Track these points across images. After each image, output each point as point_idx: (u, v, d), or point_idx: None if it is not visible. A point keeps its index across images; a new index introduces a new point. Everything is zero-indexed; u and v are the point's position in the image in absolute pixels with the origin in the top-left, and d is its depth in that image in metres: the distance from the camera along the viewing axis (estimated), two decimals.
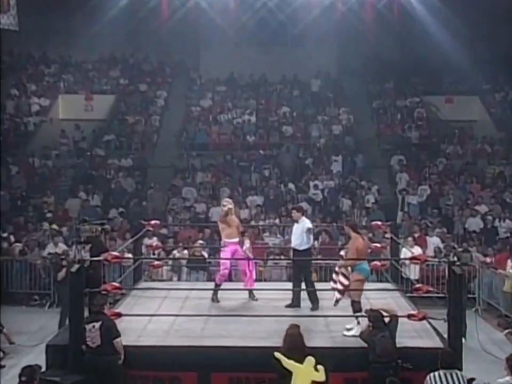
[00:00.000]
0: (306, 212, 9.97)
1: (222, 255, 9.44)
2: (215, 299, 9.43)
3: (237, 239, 9.38)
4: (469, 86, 22.92)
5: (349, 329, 7.91)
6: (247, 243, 9.50)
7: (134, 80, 23.54)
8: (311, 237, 9.15)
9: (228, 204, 9.42)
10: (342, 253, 8.75)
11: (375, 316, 7.37)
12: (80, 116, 21.57)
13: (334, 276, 8.19)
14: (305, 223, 9.15)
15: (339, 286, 8.05)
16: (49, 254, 13.26)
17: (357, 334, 7.73)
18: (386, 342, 7.16)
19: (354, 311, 7.95)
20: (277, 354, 6.53)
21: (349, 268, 8.07)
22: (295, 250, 9.19)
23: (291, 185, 18.13)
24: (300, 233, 9.10)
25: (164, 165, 19.57)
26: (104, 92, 22.80)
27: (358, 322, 7.86)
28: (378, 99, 22.74)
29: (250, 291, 9.49)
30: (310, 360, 6.49)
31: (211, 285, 10.28)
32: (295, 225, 9.25)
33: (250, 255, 9.51)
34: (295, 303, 9.12)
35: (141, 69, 24.35)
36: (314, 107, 22.24)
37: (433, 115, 22.07)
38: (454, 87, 23.09)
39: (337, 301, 8.17)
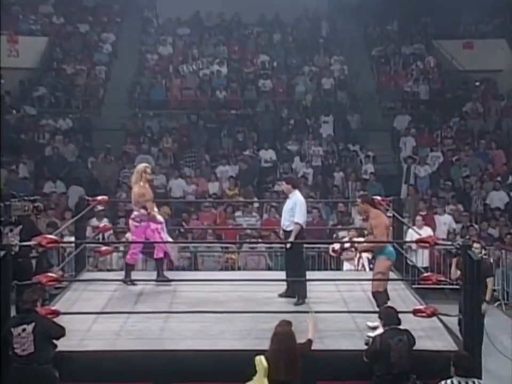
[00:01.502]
0: (299, 183, 9.90)
1: (135, 230, 9.72)
2: (128, 281, 9.76)
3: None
4: (493, 27, 22.89)
5: (373, 328, 7.92)
6: (159, 218, 9.87)
7: (72, 19, 23.20)
8: (302, 215, 9.10)
9: (150, 170, 9.82)
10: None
11: (388, 314, 7.28)
12: (2, 63, 21.15)
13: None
14: (296, 198, 9.12)
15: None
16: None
17: None
18: (404, 348, 7.09)
19: (379, 305, 7.95)
20: None
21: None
22: (284, 231, 9.19)
23: (271, 153, 18.10)
24: (289, 210, 9.06)
25: (112, 127, 19.44)
26: (33, 32, 22.40)
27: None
28: (379, 45, 22.72)
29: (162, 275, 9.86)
30: (260, 360, 6.46)
31: (174, 274, 10.27)
32: (287, 201, 9.26)
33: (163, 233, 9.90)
34: (298, 295, 9.10)
35: (80, 5, 23.97)
36: (299, 55, 22.17)
37: (448, 64, 22.11)
38: (475, 29, 23.08)
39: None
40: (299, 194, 9.21)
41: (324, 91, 20.83)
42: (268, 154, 18.12)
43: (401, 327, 7.28)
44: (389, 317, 7.27)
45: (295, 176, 10.14)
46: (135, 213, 9.70)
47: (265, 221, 14.92)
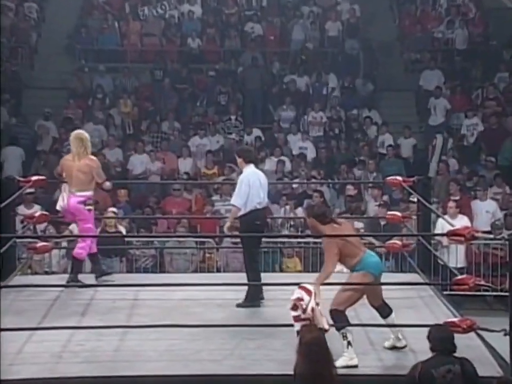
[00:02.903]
0: (253, 156, 9.99)
1: (90, 215, 9.92)
2: (73, 280, 9.92)
3: None
4: None
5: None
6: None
7: None
8: (240, 196, 9.31)
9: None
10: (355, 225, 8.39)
11: (439, 335, 6.78)
12: None
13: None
14: (242, 174, 9.44)
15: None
16: None
17: (347, 363, 7.59)
18: (456, 382, 6.56)
19: (337, 328, 7.81)
20: None
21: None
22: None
23: (257, 133, 18.11)
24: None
25: (50, 85, 19.53)
26: None
27: (349, 343, 7.75)
28: None
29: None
30: None
31: (134, 277, 10.30)
32: None
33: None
34: (246, 296, 9.38)
35: None
36: None
37: (492, 1, 22.05)
38: None
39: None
40: (249, 170, 9.50)
41: (328, 39, 20.85)
42: (254, 137, 18.12)
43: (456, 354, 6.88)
44: (440, 339, 6.77)
45: (249, 148, 10.40)
46: (85, 193, 9.78)
47: None
